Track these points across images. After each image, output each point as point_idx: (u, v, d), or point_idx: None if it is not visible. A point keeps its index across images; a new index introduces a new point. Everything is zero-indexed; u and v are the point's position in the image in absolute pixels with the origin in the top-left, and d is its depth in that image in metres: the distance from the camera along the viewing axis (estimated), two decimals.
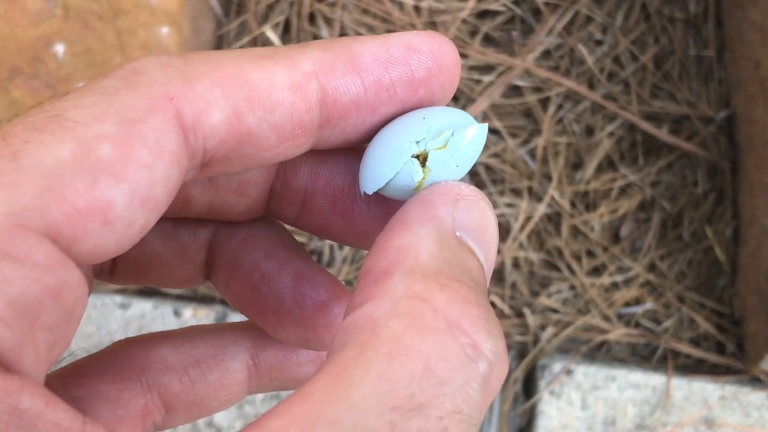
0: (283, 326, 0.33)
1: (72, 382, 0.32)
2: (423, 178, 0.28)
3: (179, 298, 0.93)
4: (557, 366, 0.90)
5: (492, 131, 0.97)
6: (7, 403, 0.20)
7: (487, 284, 0.26)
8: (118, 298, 0.93)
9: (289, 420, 0.20)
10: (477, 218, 0.26)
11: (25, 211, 0.22)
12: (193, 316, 0.91)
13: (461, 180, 0.29)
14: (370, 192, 0.29)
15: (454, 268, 0.24)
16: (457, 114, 0.29)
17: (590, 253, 0.97)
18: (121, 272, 0.34)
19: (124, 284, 0.35)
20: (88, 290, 0.24)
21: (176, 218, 0.33)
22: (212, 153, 0.26)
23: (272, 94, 0.27)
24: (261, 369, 0.35)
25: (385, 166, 0.28)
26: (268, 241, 0.33)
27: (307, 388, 0.21)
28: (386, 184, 0.28)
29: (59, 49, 0.91)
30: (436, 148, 0.28)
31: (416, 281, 0.23)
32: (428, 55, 0.28)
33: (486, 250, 0.26)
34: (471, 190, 0.27)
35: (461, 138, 0.28)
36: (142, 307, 0.92)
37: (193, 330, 0.36)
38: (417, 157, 0.28)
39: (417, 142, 0.28)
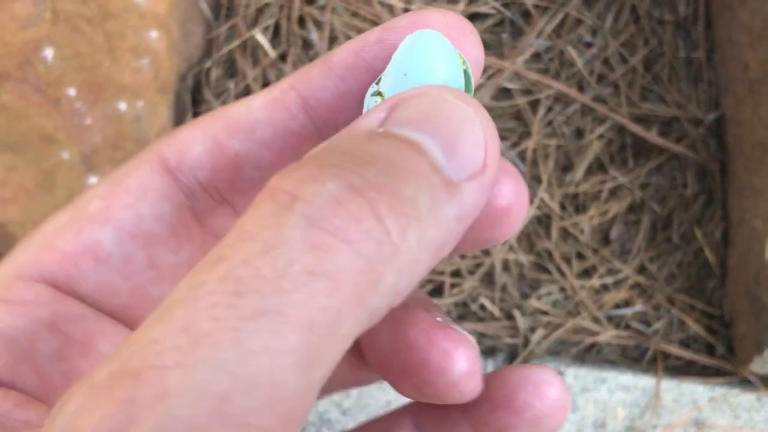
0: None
1: None
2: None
3: None
4: None
5: None
6: None
7: (470, 158, 0.23)
8: None
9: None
10: (421, 107, 0.23)
11: (21, 265, 0.26)
12: None
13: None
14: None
15: (331, 153, 0.22)
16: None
17: (580, 256, 0.97)
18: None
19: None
20: (113, 323, 0.28)
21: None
22: (213, 183, 0.28)
23: (249, 116, 0.28)
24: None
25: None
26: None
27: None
28: None
29: (48, 53, 0.91)
30: (383, 75, 0.26)
31: (280, 174, 0.22)
32: (404, 28, 0.27)
33: (432, 127, 0.23)
34: (421, 88, 0.24)
35: (402, 47, 0.25)
36: None
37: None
38: (377, 94, 0.26)
39: (376, 84, 0.26)
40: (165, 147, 0.28)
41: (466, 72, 0.26)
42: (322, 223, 0.20)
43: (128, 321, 0.29)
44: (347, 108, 0.28)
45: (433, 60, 0.25)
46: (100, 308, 0.28)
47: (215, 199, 0.29)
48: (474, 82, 0.27)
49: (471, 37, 0.27)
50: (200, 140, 0.28)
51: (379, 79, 0.26)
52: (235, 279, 0.19)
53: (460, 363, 0.25)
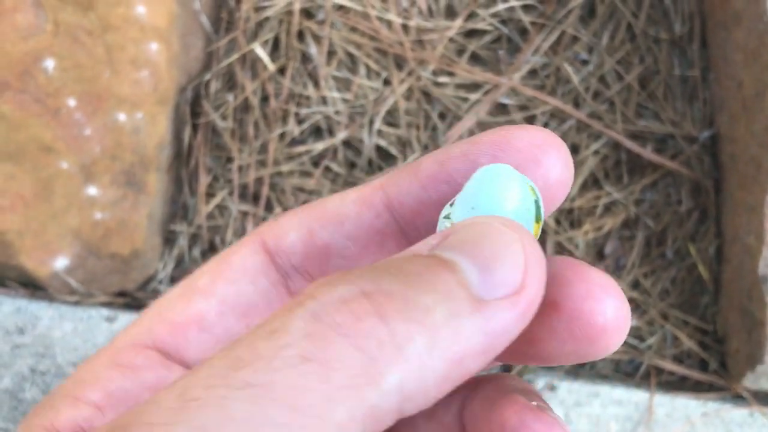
0: None
1: None
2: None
3: None
4: (541, 382, 0.91)
5: None
6: None
7: (505, 279, 0.24)
8: (105, 311, 0.93)
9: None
10: (470, 234, 0.25)
11: (138, 334, 0.30)
12: None
13: None
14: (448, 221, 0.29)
15: (370, 272, 0.24)
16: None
17: None
18: None
19: None
20: None
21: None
22: (304, 266, 0.31)
23: (341, 209, 0.31)
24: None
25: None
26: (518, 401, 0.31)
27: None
28: None
29: (49, 64, 0.91)
30: (456, 202, 0.27)
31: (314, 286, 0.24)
32: (487, 145, 0.29)
33: (471, 249, 0.24)
34: (477, 218, 0.26)
35: (471, 179, 0.27)
36: (129, 319, 0.92)
37: None
38: (446, 218, 0.28)
39: (450, 205, 0.28)
40: (266, 231, 0.31)
41: (536, 202, 0.27)
42: (323, 317, 0.22)
43: None
44: (427, 213, 0.30)
45: (500, 195, 0.26)
46: None
47: (307, 280, 0.32)
48: (556, 202, 0.29)
49: (555, 155, 0.28)
50: (296, 228, 0.31)
51: (453, 202, 0.28)
52: (236, 356, 0.22)
53: None
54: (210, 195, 1.00)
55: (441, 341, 0.22)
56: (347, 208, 0.31)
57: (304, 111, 1.00)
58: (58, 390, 0.29)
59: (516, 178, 0.27)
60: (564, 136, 1.00)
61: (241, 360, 0.21)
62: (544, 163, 0.28)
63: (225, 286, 0.31)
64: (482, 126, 0.99)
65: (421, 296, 0.23)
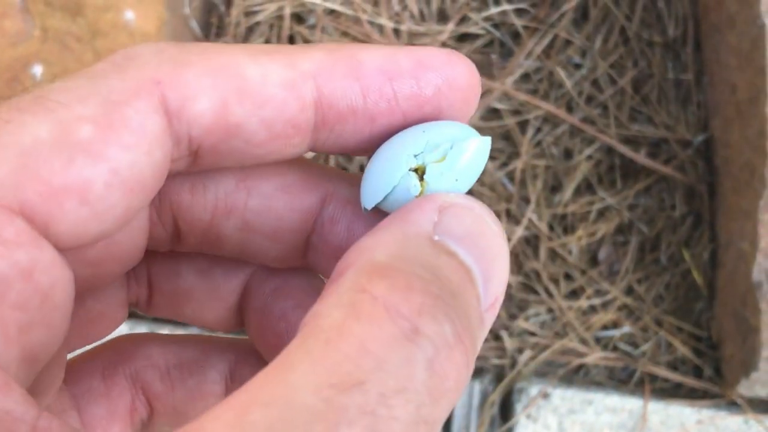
0: None
1: (67, 378, 0.33)
2: (421, 192, 0.28)
3: (156, 320, 0.93)
4: (534, 389, 0.90)
5: None
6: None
7: (495, 290, 0.26)
8: None
9: (226, 406, 0.20)
10: (468, 225, 0.25)
11: (1, 188, 0.23)
12: None
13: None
14: (369, 207, 0.28)
15: (409, 263, 0.24)
16: (459, 127, 0.28)
17: (568, 276, 0.97)
18: (156, 303, 0.34)
19: (160, 315, 0.35)
20: (71, 277, 0.25)
21: (212, 256, 0.33)
22: (199, 142, 0.27)
23: (264, 88, 0.26)
24: (237, 385, 0.34)
25: (382, 179, 0.28)
26: (300, 292, 0.33)
27: (253, 378, 0.22)
28: (384, 198, 0.28)
29: (37, 70, 0.91)
30: (434, 161, 0.27)
31: (362, 275, 0.23)
32: (438, 72, 0.28)
33: (478, 255, 0.25)
34: (464, 199, 0.26)
35: (460, 151, 0.27)
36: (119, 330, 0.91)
37: (184, 335, 0.36)
38: (415, 171, 0.28)
39: (415, 156, 0.28)
40: (169, 86, 0.26)
41: None
42: (438, 370, 0.22)
43: (90, 279, 0.29)
44: (357, 123, 0.28)
45: (480, 169, 0.28)
46: (72, 262, 0.25)
47: (198, 157, 0.28)
48: (473, 103, 0.29)
49: (463, 65, 0.29)
50: (208, 94, 0.26)
51: (421, 154, 0.28)
52: (373, 414, 0.20)
53: None
54: None
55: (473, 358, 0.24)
56: (273, 90, 0.27)
57: None
58: None
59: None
60: (557, 141, 0.99)
61: (379, 422, 0.21)
62: (458, 75, 0.28)
63: (119, 153, 0.24)
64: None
65: (475, 331, 0.24)
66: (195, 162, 0.28)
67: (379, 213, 0.29)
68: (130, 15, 0.92)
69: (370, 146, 0.29)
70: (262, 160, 0.28)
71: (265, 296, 0.34)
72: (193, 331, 0.89)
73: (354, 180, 0.31)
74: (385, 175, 0.28)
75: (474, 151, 0.27)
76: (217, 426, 0.20)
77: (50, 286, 0.24)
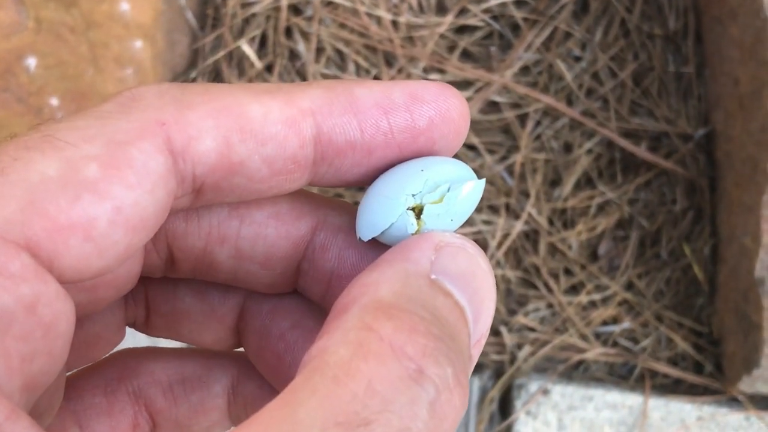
0: None
1: (69, 395, 0.33)
2: (417, 230, 0.29)
3: None
4: (534, 385, 0.89)
5: (470, 147, 0.96)
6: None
7: (482, 329, 0.27)
8: None
9: None
10: (462, 264, 0.27)
11: (5, 223, 0.23)
12: None
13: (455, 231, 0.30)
14: (365, 239, 0.30)
15: (412, 302, 0.25)
16: (455, 167, 0.29)
17: (568, 271, 0.96)
18: (153, 324, 0.35)
19: (158, 336, 0.36)
20: (72, 308, 0.25)
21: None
22: (203, 180, 0.27)
23: (265, 127, 0.27)
24: (239, 399, 0.36)
25: (380, 215, 0.29)
26: (296, 312, 0.34)
27: (257, 413, 0.22)
28: (381, 233, 0.29)
29: (31, 62, 0.90)
30: (431, 201, 0.29)
31: (368, 313, 0.24)
32: (431, 105, 0.29)
33: (471, 295, 0.26)
34: (458, 239, 0.27)
35: (457, 193, 0.29)
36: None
37: (186, 349, 0.37)
38: (413, 209, 0.29)
39: (413, 195, 0.29)
40: (174, 126, 0.26)
41: None
42: (438, 412, 0.23)
43: (86, 305, 0.29)
44: (355, 157, 0.29)
45: (472, 208, 0.30)
46: (67, 287, 0.25)
47: (201, 194, 0.28)
48: (463, 132, 0.31)
49: (456, 99, 0.30)
50: (212, 134, 0.27)
51: (419, 193, 0.29)
52: None
53: None
54: None
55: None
56: (274, 128, 0.28)
57: None
58: None
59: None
60: (557, 135, 0.98)
61: None
62: (450, 107, 0.29)
63: (123, 191, 0.25)
64: (473, 124, 0.97)
65: (467, 370, 0.25)
66: (197, 198, 0.29)
67: (372, 242, 0.30)
68: (125, 6, 0.91)
69: (367, 178, 0.30)
70: (262, 195, 0.29)
71: (262, 317, 0.34)
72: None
73: (344, 208, 0.33)
74: (384, 211, 0.29)
75: (470, 193, 0.29)
76: None
77: (53, 318, 0.24)
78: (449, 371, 0.24)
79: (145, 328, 0.36)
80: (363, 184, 0.31)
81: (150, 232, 0.27)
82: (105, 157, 0.25)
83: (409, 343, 0.23)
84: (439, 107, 0.29)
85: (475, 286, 0.27)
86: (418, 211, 0.29)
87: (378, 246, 0.31)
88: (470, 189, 0.29)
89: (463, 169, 0.30)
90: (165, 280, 0.34)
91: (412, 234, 0.29)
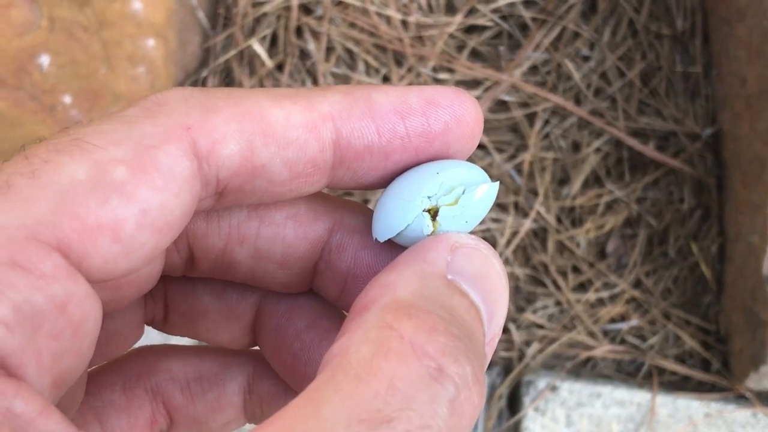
0: None
1: (89, 390, 0.34)
2: (433, 232, 0.30)
3: None
4: (542, 382, 0.90)
5: (479, 146, 0.97)
6: (1, 404, 0.22)
7: (495, 328, 0.28)
8: None
9: None
10: (476, 265, 0.28)
11: (37, 224, 0.24)
12: None
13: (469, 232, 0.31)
14: (381, 240, 0.31)
15: (430, 302, 0.26)
16: (470, 170, 0.30)
17: (576, 269, 0.97)
18: (172, 322, 0.36)
19: (176, 334, 0.37)
20: (100, 307, 0.26)
21: (226, 280, 0.35)
22: (226, 183, 0.28)
23: (287, 131, 0.28)
24: (254, 397, 0.37)
25: (397, 217, 0.30)
26: (312, 312, 0.35)
27: (280, 411, 0.23)
28: (398, 234, 0.30)
29: (44, 60, 0.90)
30: (446, 204, 0.30)
31: (388, 313, 0.25)
32: (447, 109, 0.30)
33: (485, 295, 0.27)
34: (473, 240, 0.28)
35: (472, 195, 0.30)
36: None
37: (202, 347, 0.38)
38: (428, 211, 0.30)
39: (429, 197, 0.30)
40: (199, 131, 0.27)
41: None
42: (458, 409, 0.24)
43: (109, 303, 0.30)
44: (372, 160, 0.30)
45: (486, 210, 0.31)
46: (94, 287, 0.26)
47: (223, 197, 0.29)
48: (477, 136, 0.32)
49: (470, 103, 0.31)
50: (236, 138, 0.28)
51: (434, 195, 0.30)
52: None
53: None
54: None
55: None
56: (295, 132, 0.28)
57: None
58: None
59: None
60: (565, 134, 0.99)
61: None
62: (465, 111, 0.30)
63: (150, 194, 0.26)
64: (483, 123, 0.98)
65: (483, 365, 0.26)
66: (219, 200, 0.29)
67: (387, 243, 0.31)
68: (138, 5, 0.91)
69: (384, 181, 0.31)
70: (282, 197, 0.30)
71: (279, 316, 0.35)
72: None
73: (360, 209, 0.33)
74: (400, 213, 0.30)
75: (484, 196, 0.30)
76: None
77: (82, 318, 0.25)
78: (468, 370, 0.24)
79: (163, 326, 0.37)
80: (379, 186, 0.32)
81: (175, 234, 0.27)
82: (132, 160, 0.26)
83: (429, 342, 0.24)
84: (454, 112, 0.30)
85: (489, 286, 0.28)
86: (433, 213, 0.30)
87: (393, 247, 0.32)
88: (484, 191, 0.30)
89: (477, 172, 0.30)
90: (184, 279, 0.35)
91: (428, 235, 0.29)
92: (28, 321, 0.23)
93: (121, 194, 0.25)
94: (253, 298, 0.36)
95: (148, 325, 0.36)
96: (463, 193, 0.30)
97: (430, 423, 0.23)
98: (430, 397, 0.23)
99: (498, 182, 0.31)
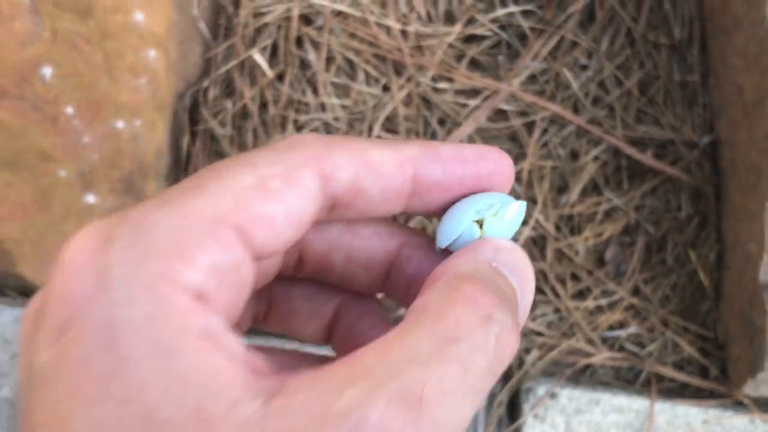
0: None
1: None
2: (480, 236, 0.40)
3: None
4: (541, 389, 0.90)
5: None
6: (205, 321, 0.32)
7: (526, 304, 0.39)
8: None
9: (369, 348, 0.33)
10: (514, 259, 0.39)
11: (223, 212, 0.35)
12: None
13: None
14: (442, 246, 0.42)
15: (483, 276, 0.37)
16: (506, 196, 0.42)
17: (575, 277, 0.98)
18: (270, 320, 0.47)
19: (270, 330, 0.48)
20: (253, 280, 0.37)
21: (317, 284, 0.46)
22: (339, 200, 0.39)
23: (382, 166, 0.40)
24: (339, 323, 0.48)
25: (453, 226, 0.41)
26: (376, 317, 0.46)
27: (374, 342, 0.33)
28: (454, 241, 0.41)
29: (47, 71, 0.91)
30: (490, 215, 0.41)
31: (454, 279, 0.36)
32: (491, 161, 0.42)
33: (519, 279, 0.39)
34: (510, 243, 0.40)
35: (507, 210, 0.41)
36: None
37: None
38: (477, 222, 0.41)
39: (477, 212, 0.41)
40: (323, 160, 0.39)
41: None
42: (501, 343, 0.35)
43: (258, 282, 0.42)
44: (438, 194, 0.42)
45: (518, 224, 0.41)
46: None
47: (327, 209, 0.40)
48: (509, 183, 0.44)
49: (507, 162, 0.44)
50: (348, 168, 0.39)
51: (481, 210, 0.41)
52: (464, 361, 0.33)
53: None
54: None
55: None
56: (388, 168, 0.40)
57: (302, 117, 1.00)
58: (160, 247, 0.34)
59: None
60: (564, 142, 0.99)
61: (465, 360, 0.34)
62: (504, 164, 0.43)
63: (294, 200, 0.37)
64: (482, 132, 0.99)
65: (510, 305, 0.37)
66: (329, 213, 0.40)
67: (445, 253, 0.42)
68: (139, 16, 0.92)
69: (443, 209, 0.43)
70: (372, 215, 0.42)
71: (351, 318, 0.46)
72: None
73: (422, 233, 0.45)
74: (456, 223, 0.41)
75: (516, 210, 0.41)
76: (368, 358, 0.32)
77: (246, 278, 0.36)
78: (509, 318, 0.36)
79: (262, 322, 0.47)
80: (439, 214, 0.43)
81: (303, 231, 0.38)
82: (283, 175, 0.37)
83: (483, 298, 0.35)
84: (497, 163, 0.42)
85: (521, 274, 0.39)
86: (480, 224, 0.41)
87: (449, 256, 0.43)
88: (517, 207, 0.41)
89: (511, 198, 0.42)
90: (285, 282, 0.46)
91: (476, 239, 0.40)
92: (217, 273, 0.34)
93: (276, 198, 0.37)
94: (335, 303, 0.46)
95: (252, 324, 0.47)
96: (500, 207, 0.41)
97: (483, 347, 0.34)
98: (484, 331, 0.34)
99: (525, 202, 0.42)
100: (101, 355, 0.32)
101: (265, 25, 1.01)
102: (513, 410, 0.92)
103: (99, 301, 0.32)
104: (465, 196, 0.43)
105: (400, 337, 0.33)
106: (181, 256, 0.34)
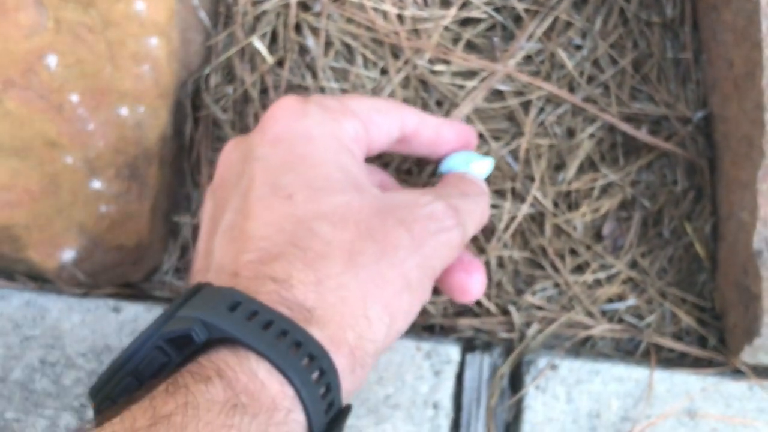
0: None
1: None
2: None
3: (170, 301, 0.95)
4: (542, 361, 0.92)
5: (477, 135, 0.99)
6: (356, 146, 0.72)
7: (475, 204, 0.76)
8: (111, 302, 0.95)
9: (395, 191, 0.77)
10: (481, 176, 0.79)
11: (363, 123, 0.73)
12: None
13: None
14: (443, 172, 0.80)
15: (465, 176, 0.80)
16: (477, 154, 0.80)
17: (573, 252, 0.99)
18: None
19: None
20: (366, 151, 0.76)
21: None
22: (405, 136, 0.79)
23: (416, 127, 0.79)
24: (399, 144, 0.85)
25: (451, 164, 0.81)
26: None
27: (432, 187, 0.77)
28: (449, 170, 0.80)
29: (51, 60, 0.93)
30: (470, 160, 0.78)
31: (453, 177, 0.80)
32: (468, 132, 0.84)
33: (479, 185, 0.79)
34: (480, 175, 0.81)
35: (480, 160, 0.79)
36: (135, 309, 0.94)
37: None
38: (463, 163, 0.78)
39: (463, 159, 0.79)
40: (404, 112, 0.79)
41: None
42: (487, 212, 0.81)
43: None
44: (431, 146, 0.82)
45: (491, 166, 0.83)
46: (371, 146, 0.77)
47: (392, 143, 0.80)
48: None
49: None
50: (413, 122, 0.79)
51: (464, 159, 0.81)
52: (471, 203, 0.76)
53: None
54: None
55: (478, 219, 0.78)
56: (417, 128, 0.78)
57: None
58: (335, 113, 0.71)
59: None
60: (560, 121, 1.01)
61: (436, 215, 0.70)
62: (473, 136, 0.87)
63: (379, 130, 0.75)
64: (479, 112, 1.00)
65: (474, 202, 0.77)
66: (392, 146, 0.78)
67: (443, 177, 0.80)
68: (141, 5, 0.94)
69: (442, 157, 0.83)
70: (413, 152, 0.82)
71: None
72: None
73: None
74: (452, 163, 0.80)
75: (485, 161, 0.80)
76: (432, 189, 0.74)
77: (364, 149, 0.75)
78: (485, 200, 0.78)
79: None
80: (439, 159, 0.83)
81: (390, 142, 0.77)
82: (366, 122, 0.73)
83: (471, 186, 0.77)
84: (472, 134, 0.84)
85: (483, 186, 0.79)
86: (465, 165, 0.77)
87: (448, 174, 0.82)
88: (489, 161, 0.80)
89: (481, 155, 0.81)
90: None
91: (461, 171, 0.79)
92: (365, 127, 0.72)
93: (375, 127, 0.73)
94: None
95: None
96: (476, 158, 0.78)
97: (483, 207, 0.77)
98: (481, 201, 0.77)
99: (492, 158, 0.82)
100: (302, 143, 0.65)
101: (264, 12, 1.03)
102: (515, 382, 0.93)
103: (302, 122, 0.66)
104: (455, 151, 0.82)
105: (442, 185, 0.76)
106: (344, 120, 0.70)
